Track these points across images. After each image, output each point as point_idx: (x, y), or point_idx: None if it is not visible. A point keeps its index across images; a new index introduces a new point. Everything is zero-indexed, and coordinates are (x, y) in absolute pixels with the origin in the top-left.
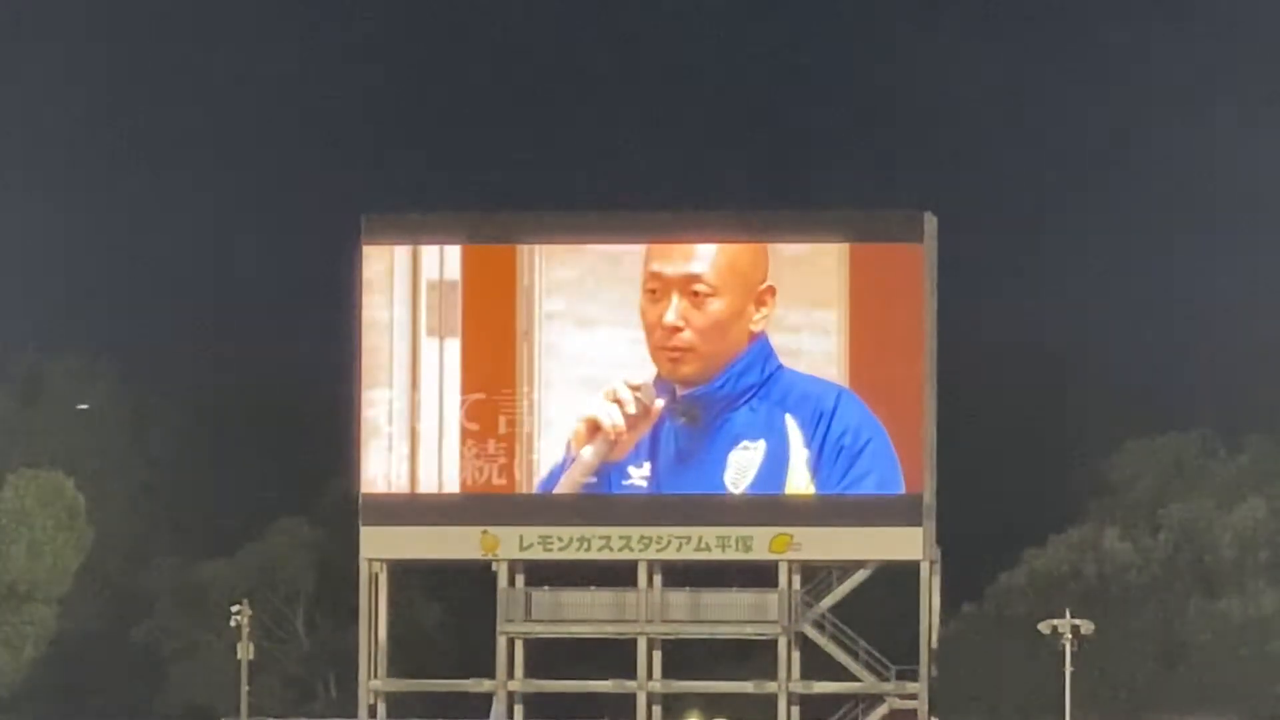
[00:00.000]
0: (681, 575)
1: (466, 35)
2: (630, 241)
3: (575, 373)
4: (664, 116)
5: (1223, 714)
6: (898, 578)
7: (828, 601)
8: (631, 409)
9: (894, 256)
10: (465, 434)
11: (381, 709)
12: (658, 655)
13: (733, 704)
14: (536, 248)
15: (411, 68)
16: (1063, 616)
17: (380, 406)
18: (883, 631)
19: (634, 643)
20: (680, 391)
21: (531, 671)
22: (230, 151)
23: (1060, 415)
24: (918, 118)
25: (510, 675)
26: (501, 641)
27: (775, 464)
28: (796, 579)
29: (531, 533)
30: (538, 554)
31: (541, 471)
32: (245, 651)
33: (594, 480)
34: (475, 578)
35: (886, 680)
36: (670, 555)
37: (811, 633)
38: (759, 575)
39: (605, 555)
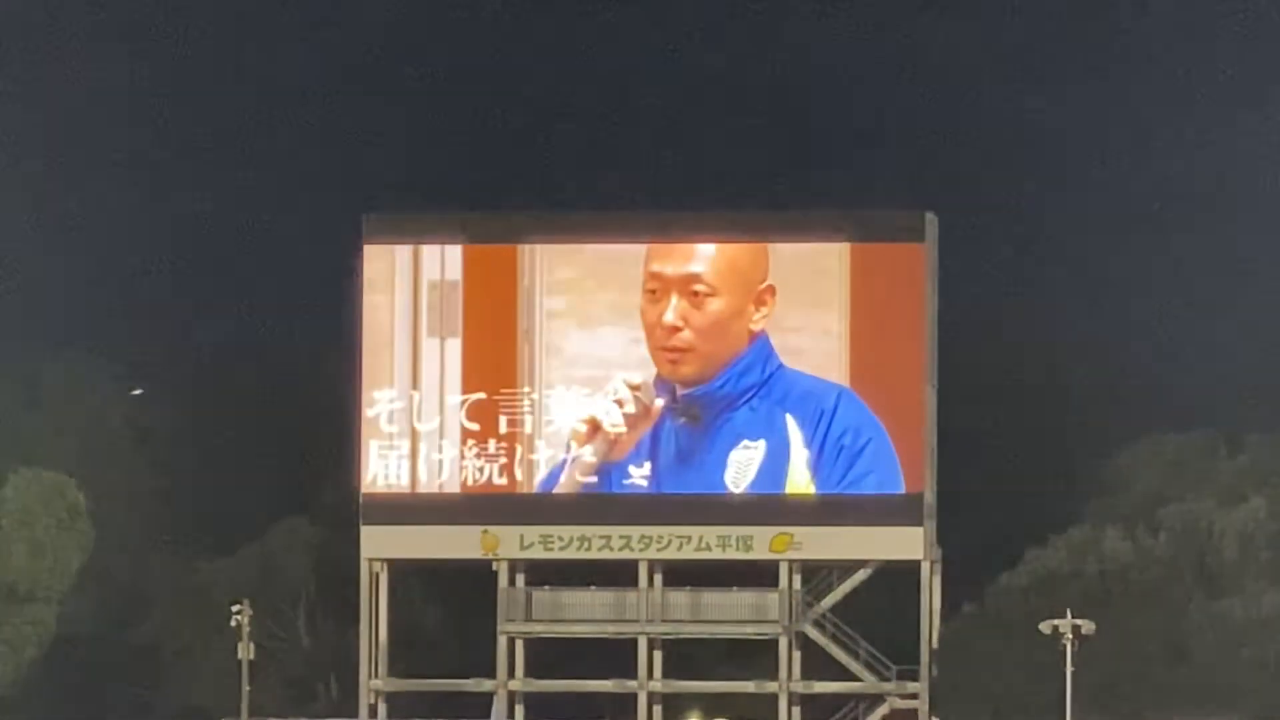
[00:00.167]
0: (682, 575)
1: (467, 35)
2: (631, 241)
3: (576, 372)
4: (665, 116)
5: (1224, 714)
6: (898, 577)
7: (828, 601)
8: (631, 409)
9: (895, 256)
10: (466, 434)
11: (382, 709)
12: (658, 655)
13: (733, 704)
14: (537, 248)
15: (413, 67)
16: (1064, 616)
17: (381, 406)
18: (883, 631)
19: (634, 642)
20: (681, 391)
21: (532, 671)
22: (231, 151)
23: (1061, 415)
24: (919, 117)
25: (511, 675)
26: (502, 641)
27: (775, 464)
28: (797, 579)
29: (532, 532)
30: (538, 553)
31: (542, 471)
32: (246, 651)
33: (594, 480)
34: (476, 577)
35: (887, 680)
36: (671, 555)
37: (812, 632)
38: (760, 575)
39: (606, 555)
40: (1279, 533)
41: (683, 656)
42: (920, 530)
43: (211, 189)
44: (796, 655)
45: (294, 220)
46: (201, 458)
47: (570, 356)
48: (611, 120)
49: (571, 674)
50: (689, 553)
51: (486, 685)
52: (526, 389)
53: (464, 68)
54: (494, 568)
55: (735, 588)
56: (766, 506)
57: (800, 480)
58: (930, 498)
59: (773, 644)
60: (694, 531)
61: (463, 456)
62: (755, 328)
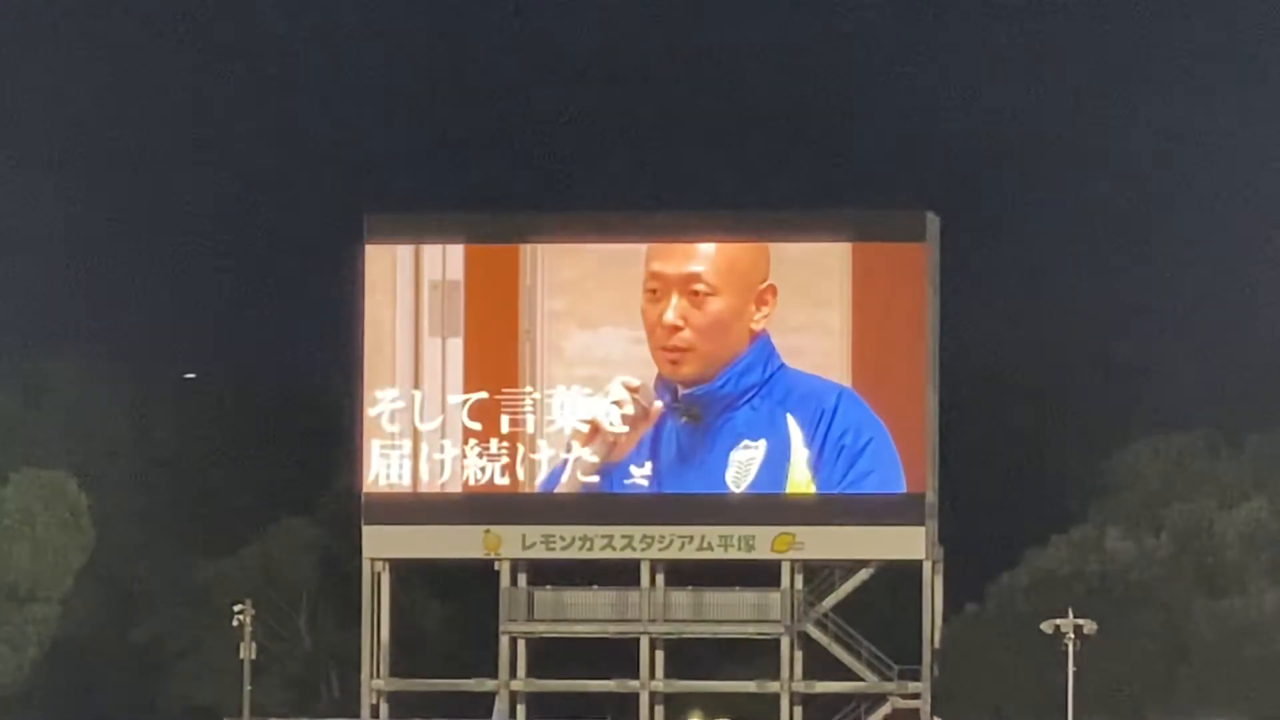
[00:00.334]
0: (684, 575)
1: (469, 35)
2: (632, 241)
3: (577, 372)
4: (667, 116)
5: (1226, 714)
6: (900, 577)
7: (830, 601)
8: (630, 410)
9: (896, 256)
10: (467, 433)
11: (384, 709)
12: (660, 655)
13: (735, 704)
14: (539, 247)
15: (414, 67)
16: (1065, 616)
17: (383, 406)
18: (885, 631)
19: (636, 642)
20: (682, 391)
21: (534, 671)
22: (233, 151)
23: (1063, 415)
24: (921, 117)
25: (512, 675)
26: (504, 641)
27: (776, 463)
28: (799, 578)
29: (534, 532)
30: (540, 553)
31: (544, 471)
32: (248, 651)
33: (596, 480)
34: (478, 577)
35: (889, 680)
36: (673, 555)
37: (814, 632)
38: (761, 575)
39: (608, 554)
40: None
41: (685, 656)
42: (922, 530)
43: (213, 189)
44: (798, 655)
45: (296, 219)
46: (203, 457)
47: (572, 356)
48: (613, 120)
49: (573, 674)
50: (691, 552)
51: (488, 685)
52: (528, 389)
53: (465, 68)
54: (496, 567)
55: (737, 587)
56: (769, 506)
57: (801, 480)
58: (932, 497)
59: (774, 644)
60: (696, 531)
61: (464, 456)
62: (756, 327)
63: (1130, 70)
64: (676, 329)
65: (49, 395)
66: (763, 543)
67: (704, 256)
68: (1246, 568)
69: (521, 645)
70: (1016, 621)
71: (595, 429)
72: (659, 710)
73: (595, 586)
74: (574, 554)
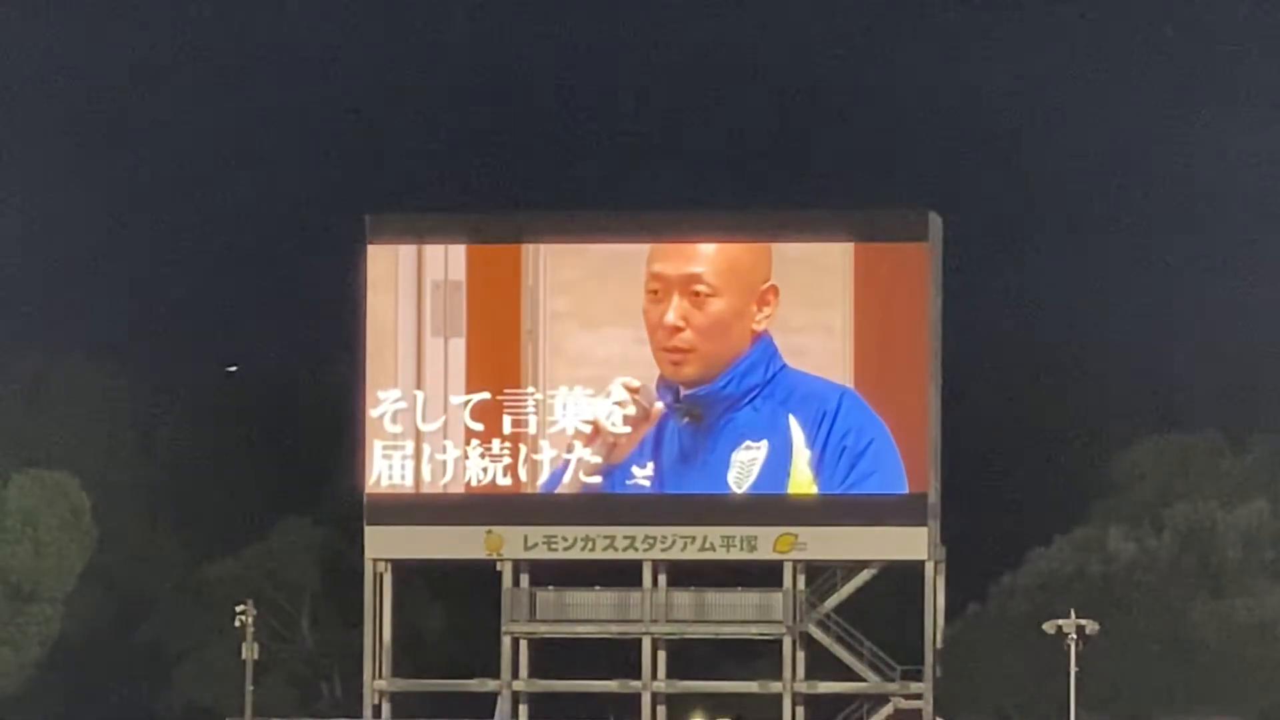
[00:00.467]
0: (686, 575)
1: (470, 35)
2: (635, 241)
3: (580, 373)
4: (668, 116)
5: (1229, 714)
6: (903, 578)
7: (832, 601)
8: (631, 410)
9: (899, 256)
10: (470, 434)
11: (386, 709)
12: (662, 655)
13: (737, 704)
14: (541, 247)
15: (415, 67)
16: (1068, 616)
17: (385, 406)
18: (888, 631)
19: (639, 643)
20: (684, 392)
21: (536, 671)
22: (234, 151)
23: (1065, 415)
24: (922, 117)
25: (515, 675)
26: (506, 641)
27: (778, 464)
28: (801, 579)
29: (536, 532)
30: (542, 554)
31: (546, 471)
32: (250, 651)
33: (598, 480)
34: (480, 577)
35: (891, 680)
36: (675, 555)
37: (816, 633)
38: (764, 575)
39: (610, 555)
40: None
41: (687, 657)
42: (924, 530)
43: (214, 189)
44: (800, 655)
45: (299, 220)
46: (205, 458)
47: (574, 356)
48: (614, 120)
49: (576, 674)
50: (693, 553)
51: (490, 685)
52: (530, 389)
53: (466, 68)
54: (498, 568)
55: (739, 588)
56: (771, 507)
57: (803, 480)
58: (934, 498)
59: (777, 644)
60: (698, 532)
61: (466, 457)
62: (758, 328)
63: (1132, 70)
64: (677, 330)
65: (51, 395)
66: (765, 543)
67: (704, 257)
68: (1249, 568)
69: (524, 645)
70: (1019, 622)
71: (597, 430)
72: (661, 711)
73: (597, 587)
74: (576, 554)
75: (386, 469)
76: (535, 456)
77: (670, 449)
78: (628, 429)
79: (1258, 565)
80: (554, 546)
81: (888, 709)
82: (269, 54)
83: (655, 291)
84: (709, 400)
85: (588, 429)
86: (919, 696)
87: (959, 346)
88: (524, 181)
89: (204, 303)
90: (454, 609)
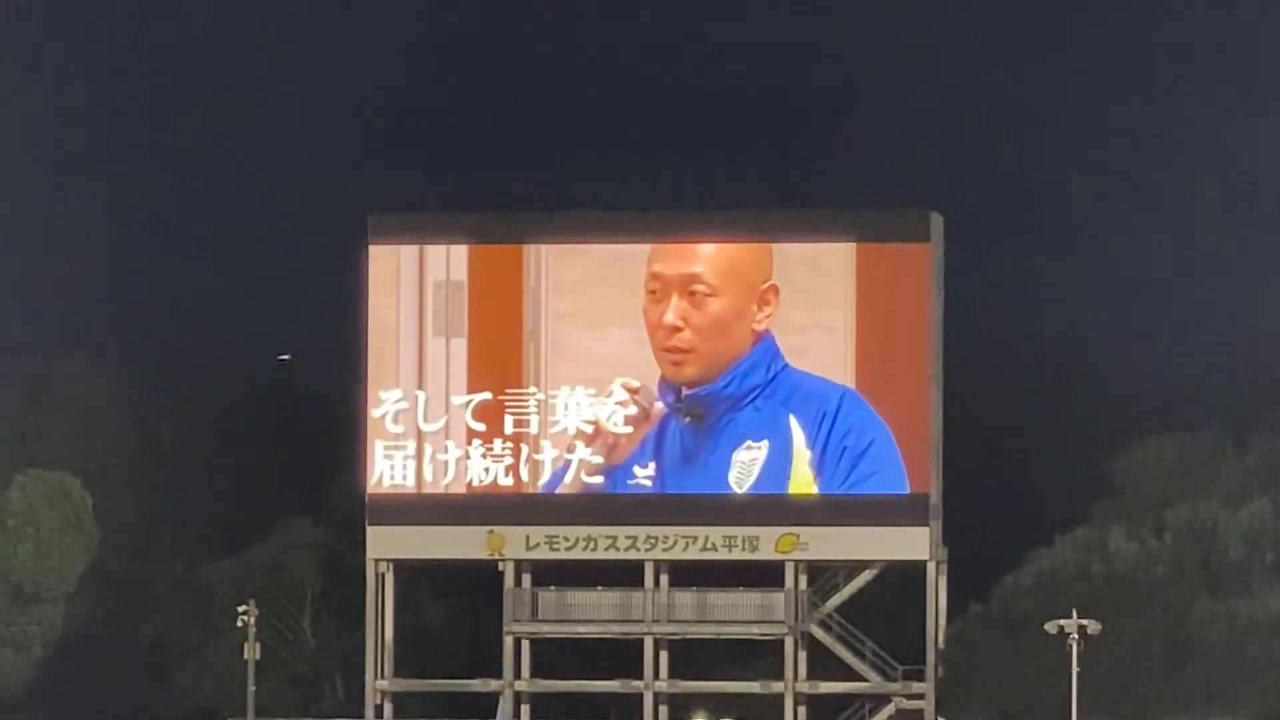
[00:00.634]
0: (688, 575)
1: (471, 35)
2: (636, 241)
3: (581, 373)
4: (669, 116)
5: (1230, 714)
6: (904, 578)
7: (834, 601)
8: (632, 410)
9: (900, 256)
10: (471, 434)
11: (388, 709)
12: (664, 655)
13: (739, 704)
14: (542, 248)
15: (416, 67)
16: (1069, 616)
17: (386, 406)
18: (889, 631)
19: (640, 643)
20: (685, 392)
21: (538, 671)
22: (236, 151)
23: (1067, 415)
24: (924, 117)
25: (517, 675)
26: (508, 641)
27: (779, 464)
28: (803, 579)
29: (538, 532)
30: (544, 554)
31: (547, 471)
32: (252, 652)
33: (599, 480)
34: (481, 577)
35: (893, 680)
36: (676, 555)
37: (818, 633)
38: (765, 575)
39: (611, 555)
40: None
41: (689, 657)
42: (926, 530)
43: (217, 189)
44: (802, 655)
45: (300, 220)
46: (207, 458)
47: (575, 357)
48: (615, 120)
49: (577, 674)
50: (695, 553)
51: (492, 685)
52: (532, 389)
53: (468, 67)
54: (500, 568)
55: (741, 588)
56: (773, 507)
57: (804, 480)
58: (936, 498)
59: (779, 644)
60: (700, 532)
61: (468, 457)
62: (759, 328)
63: (1134, 70)
64: (677, 330)
65: (52, 396)
66: (767, 543)
67: (703, 257)
68: (1250, 568)
69: (526, 645)
70: (1020, 622)
71: (598, 430)
72: (663, 710)
73: (599, 587)
74: (578, 554)
75: (388, 469)
76: (537, 456)
77: (672, 449)
78: (629, 429)
79: (1259, 565)
80: (556, 546)
81: (889, 709)
82: (270, 53)
83: (654, 292)
84: (710, 400)
85: (589, 429)
86: (921, 696)
87: (960, 347)
88: (525, 182)
89: (205, 303)
90: (456, 609)
